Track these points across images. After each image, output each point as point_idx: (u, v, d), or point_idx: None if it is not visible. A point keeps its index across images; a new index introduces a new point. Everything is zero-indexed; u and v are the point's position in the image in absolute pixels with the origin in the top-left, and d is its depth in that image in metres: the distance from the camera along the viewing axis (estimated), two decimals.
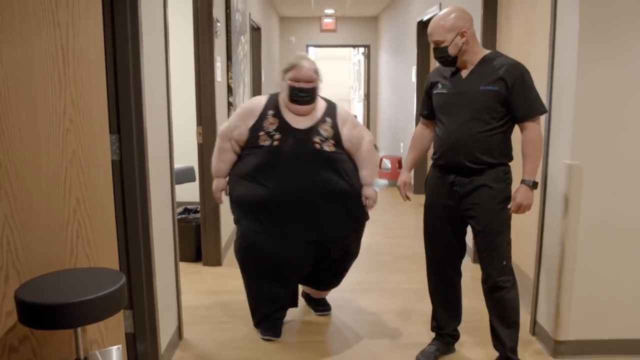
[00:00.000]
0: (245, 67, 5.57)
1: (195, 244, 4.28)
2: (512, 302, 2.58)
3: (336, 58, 17.19)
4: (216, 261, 4.23)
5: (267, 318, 3.07)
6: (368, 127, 11.71)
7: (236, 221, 2.98)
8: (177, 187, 3.29)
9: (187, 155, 4.38)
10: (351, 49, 14.39)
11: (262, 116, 2.87)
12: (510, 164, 2.56)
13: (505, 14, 3.86)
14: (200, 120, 4.05)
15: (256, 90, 6.73)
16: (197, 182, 4.24)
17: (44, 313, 1.89)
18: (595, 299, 2.78)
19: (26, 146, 2.14)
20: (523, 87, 2.40)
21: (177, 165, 3.50)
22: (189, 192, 4.68)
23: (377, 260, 4.46)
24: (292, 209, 2.81)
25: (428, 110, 2.71)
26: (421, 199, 7.30)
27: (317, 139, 2.83)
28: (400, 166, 7.66)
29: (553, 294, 2.83)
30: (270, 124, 2.84)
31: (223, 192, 3.04)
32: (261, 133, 2.83)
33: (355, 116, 3.70)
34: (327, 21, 11.04)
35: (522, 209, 2.47)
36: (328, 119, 2.90)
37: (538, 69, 3.00)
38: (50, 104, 2.17)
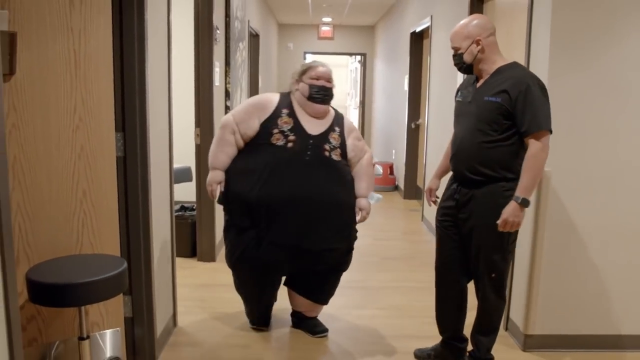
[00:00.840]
0: (243, 72, 5.78)
1: (190, 240, 4.48)
2: (496, 314, 2.63)
3: (333, 65, 17.38)
4: (210, 257, 4.43)
5: (259, 316, 3.20)
6: (362, 133, 11.94)
7: (229, 224, 2.92)
8: (175, 187, 3.44)
9: (184, 156, 4.57)
10: (349, 56, 14.68)
11: (276, 113, 2.83)
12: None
13: None
14: (198, 122, 4.25)
15: (253, 93, 6.93)
16: (193, 182, 4.44)
17: (52, 292, 2.08)
18: (561, 297, 2.99)
19: (39, 142, 2.35)
20: (525, 101, 2.33)
21: (176, 165, 3.67)
22: (186, 192, 4.86)
23: (364, 261, 4.65)
24: (292, 214, 2.76)
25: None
26: (411, 204, 7.48)
27: (327, 147, 2.84)
28: (391, 172, 7.87)
29: (524, 291, 3.03)
30: (285, 122, 2.81)
31: (219, 186, 2.87)
32: (275, 130, 2.79)
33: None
34: (325, 29, 11.28)
35: (508, 225, 2.39)
36: (337, 128, 2.92)
37: None
38: (62, 104, 2.37)
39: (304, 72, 2.89)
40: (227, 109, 4.85)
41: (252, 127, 2.81)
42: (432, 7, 5.63)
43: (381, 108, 9.81)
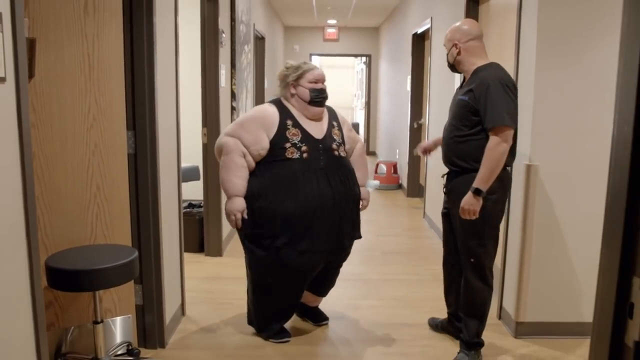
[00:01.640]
0: (248, 74, 5.96)
1: (198, 236, 4.65)
2: (479, 298, 2.76)
3: (340, 66, 17.55)
4: (217, 252, 4.60)
5: (278, 329, 3.12)
6: (368, 134, 12.10)
7: (254, 238, 2.89)
8: (183, 185, 3.58)
9: (192, 155, 4.74)
10: (354, 58, 14.85)
11: (282, 126, 2.83)
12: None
13: (485, 29, 4.21)
14: (205, 122, 4.42)
15: (259, 95, 7.10)
16: (200, 181, 4.61)
17: (69, 277, 2.26)
18: (551, 286, 3.12)
19: (56, 140, 2.53)
20: (486, 99, 2.52)
21: (184, 164, 3.84)
22: (193, 190, 5.03)
23: (367, 255, 4.80)
24: (322, 220, 2.82)
25: None
26: (414, 202, 7.61)
27: (334, 146, 2.90)
28: (395, 171, 8.02)
29: (515, 281, 3.17)
30: (294, 134, 2.82)
31: (242, 213, 2.82)
32: (287, 145, 2.80)
33: None
34: (330, 31, 11.44)
35: (464, 213, 2.59)
36: (334, 123, 3.00)
37: None
38: (77, 104, 2.55)
39: (300, 76, 2.90)
40: (232, 109, 5.02)
41: (265, 146, 2.80)
42: (432, 9, 5.77)
43: (386, 108, 9.96)
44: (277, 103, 2.96)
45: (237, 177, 2.80)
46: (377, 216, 6.33)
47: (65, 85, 2.51)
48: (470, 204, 2.57)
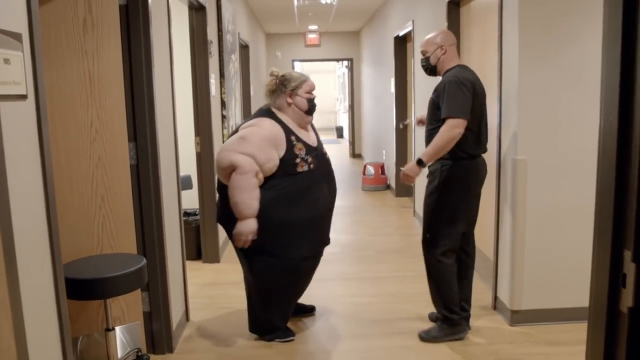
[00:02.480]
0: (236, 83, 6.04)
1: (195, 243, 4.71)
2: (434, 271, 3.08)
3: (322, 71, 17.71)
4: (215, 258, 4.67)
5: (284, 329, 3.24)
6: (353, 136, 12.23)
7: (266, 249, 2.96)
8: None
9: (184, 165, 4.79)
10: (336, 62, 15.00)
11: (290, 144, 2.92)
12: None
13: (466, 30, 4.37)
14: (198, 131, 4.50)
15: (246, 103, 7.18)
16: (192, 190, 4.67)
17: (81, 286, 2.33)
18: (543, 273, 3.25)
19: (61, 153, 2.60)
20: (444, 95, 2.85)
21: None
22: (185, 199, 5.08)
23: (360, 255, 4.90)
24: (324, 221, 3.12)
25: None
26: (403, 201, 7.71)
27: (324, 150, 3.17)
28: (382, 172, 8.14)
29: (509, 271, 3.30)
30: (300, 149, 2.95)
31: (252, 234, 2.88)
32: (297, 160, 2.92)
33: None
34: (311, 36, 11.56)
35: (403, 177, 2.94)
36: (312, 128, 3.23)
37: (492, 78, 3.50)
38: (80, 118, 2.62)
39: (297, 87, 3.00)
40: (223, 118, 5.10)
41: (276, 164, 2.89)
42: (414, 12, 5.91)
43: (370, 111, 10.09)
44: (272, 116, 2.99)
45: (252, 198, 2.83)
46: (367, 217, 6.44)
47: (68, 100, 2.59)
48: (409, 170, 2.90)
